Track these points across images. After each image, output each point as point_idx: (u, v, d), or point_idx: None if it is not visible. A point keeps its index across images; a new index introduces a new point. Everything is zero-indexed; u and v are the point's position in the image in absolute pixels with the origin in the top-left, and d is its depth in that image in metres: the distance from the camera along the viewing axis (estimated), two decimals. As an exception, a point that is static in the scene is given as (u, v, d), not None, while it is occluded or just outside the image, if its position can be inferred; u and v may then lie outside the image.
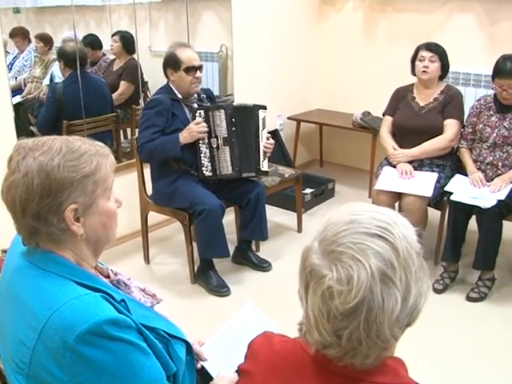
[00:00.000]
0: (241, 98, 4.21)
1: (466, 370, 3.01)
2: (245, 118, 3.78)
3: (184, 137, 3.60)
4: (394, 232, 1.07)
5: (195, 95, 3.78)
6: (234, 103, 3.97)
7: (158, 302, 1.63)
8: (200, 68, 3.68)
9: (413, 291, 1.06)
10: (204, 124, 3.63)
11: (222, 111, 3.68)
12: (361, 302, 1.01)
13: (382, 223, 1.08)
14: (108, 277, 1.54)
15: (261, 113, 3.83)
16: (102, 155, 1.40)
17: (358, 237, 1.06)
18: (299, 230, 4.61)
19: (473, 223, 3.73)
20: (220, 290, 3.73)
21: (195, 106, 3.73)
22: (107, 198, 1.42)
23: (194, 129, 3.61)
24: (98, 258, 1.49)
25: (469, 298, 3.64)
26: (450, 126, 3.95)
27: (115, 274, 1.56)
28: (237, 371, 1.59)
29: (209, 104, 3.79)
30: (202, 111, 3.67)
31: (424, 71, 3.95)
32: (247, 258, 4.07)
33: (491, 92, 3.90)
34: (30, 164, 1.30)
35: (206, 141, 3.67)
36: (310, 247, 1.11)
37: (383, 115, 4.29)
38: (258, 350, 1.30)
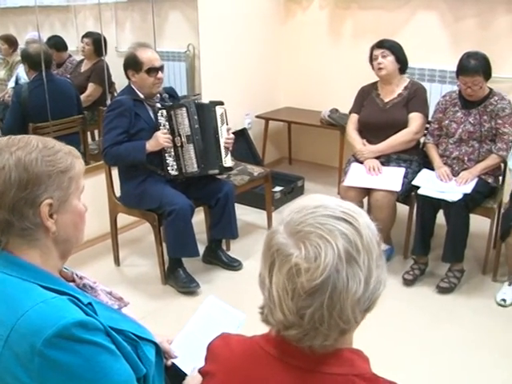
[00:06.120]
0: (209, 97, 4.21)
1: (436, 360, 3.05)
2: (203, 116, 3.78)
3: (151, 144, 3.59)
4: (359, 219, 1.11)
5: (157, 95, 3.77)
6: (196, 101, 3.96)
7: (125, 305, 1.62)
8: (161, 68, 3.67)
9: (374, 275, 1.09)
10: (169, 136, 3.64)
11: (184, 109, 3.68)
12: (326, 280, 1.03)
13: (346, 210, 1.12)
14: (73, 281, 1.53)
15: (218, 109, 3.83)
16: (74, 156, 1.44)
17: (325, 219, 1.09)
18: (269, 228, 4.56)
19: (441, 217, 3.78)
20: (189, 285, 3.72)
21: (158, 105, 3.72)
22: (79, 199, 1.44)
23: (162, 138, 3.59)
24: (65, 261, 1.48)
25: (439, 288, 3.70)
26: (415, 119, 4.01)
27: (80, 278, 1.55)
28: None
29: (171, 103, 3.78)
30: (164, 111, 3.67)
31: (379, 68, 4.02)
32: (217, 258, 4.07)
33: (456, 88, 3.95)
34: (6, 158, 1.32)
35: (170, 140, 3.66)
36: (275, 229, 1.13)
37: (349, 113, 4.33)
38: (216, 351, 1.31)
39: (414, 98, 4.04)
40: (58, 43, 4.49)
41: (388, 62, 4.00)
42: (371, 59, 4.09)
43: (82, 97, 4.53)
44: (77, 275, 1.55)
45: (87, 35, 4.59)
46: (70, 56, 4.69)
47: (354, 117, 4.24)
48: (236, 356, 1.25)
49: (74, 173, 1.40)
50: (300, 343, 1.11)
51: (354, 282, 1.05)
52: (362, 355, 1.18)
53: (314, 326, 1.07)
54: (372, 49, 4.09)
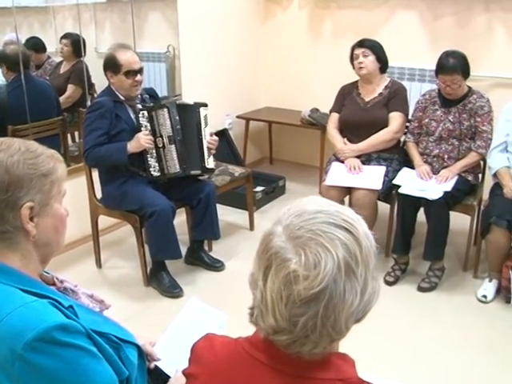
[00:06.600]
0: (189, 98, 4.20)
1: (420, 358, 3.07)
2: (186, 117, 3.77)
3: (132, 146, 3.57)
4: (359, 228, 1.09)
5: (138, 96, 3.75)
6: (177, 101, 3.95)
7: (106, 308, 1.61)
8: (140, 71, 3.64)
9: (369, 287, 1.08)
10: (151, 137, 3.62)
11: (166, 110, 3.66)
12: (324, 290, 1.02)
13: (347, 218, 1.10)
14: (54, 285, 1.52)
15: (202, 110, 3.82)
16: (57, 159, 1.44)
17: (327, 226, 1.06)
18: (251, 228, 4.62)
19: (421, 215, 3.80)
20: (172, 290, 3.71)
21: (139, 106, 3.70)
22: (60, 203, 1.43)
23: (143, 140, 3.58)
24: (46, 265, 1.47)
25: (420, 288, 3.73)
26: (395, 119, 4.04)
27: (61, 282, 1.54)
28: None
29: (152, 104, 3.77)
30: (146, 112, 3.65)
31: (360, 67, 4.03)
32: (200, 259, 4.06)
33: (436, 87, 3.98)
34: None
35: (152, 141, 3.65)
36: (273, 231, 1.10)
37: (330, 112, 4.34)
38: (200, 353, 1.29)
39: (395, 97, 4.06)
40: (36, 44, 4.44)
41: (369, 61, 4.02)
42: (352, 58, 4.10)
43: (62, 98, 4.49)
44: (57, 279, 1.54)
45: (66, 36, 4.54)
46: (49, 57, 4.64)
47: (335, 116, 4.26)
48: (220, 359, 1.24)
49: (55, 176, 1.40)
50: (288, 349, 1.10)
51: (350, 294, 1.04)
52: (348, 359, 1.17)
53: (305, 334, 1.06)
54: (353, 48, 4.10)
